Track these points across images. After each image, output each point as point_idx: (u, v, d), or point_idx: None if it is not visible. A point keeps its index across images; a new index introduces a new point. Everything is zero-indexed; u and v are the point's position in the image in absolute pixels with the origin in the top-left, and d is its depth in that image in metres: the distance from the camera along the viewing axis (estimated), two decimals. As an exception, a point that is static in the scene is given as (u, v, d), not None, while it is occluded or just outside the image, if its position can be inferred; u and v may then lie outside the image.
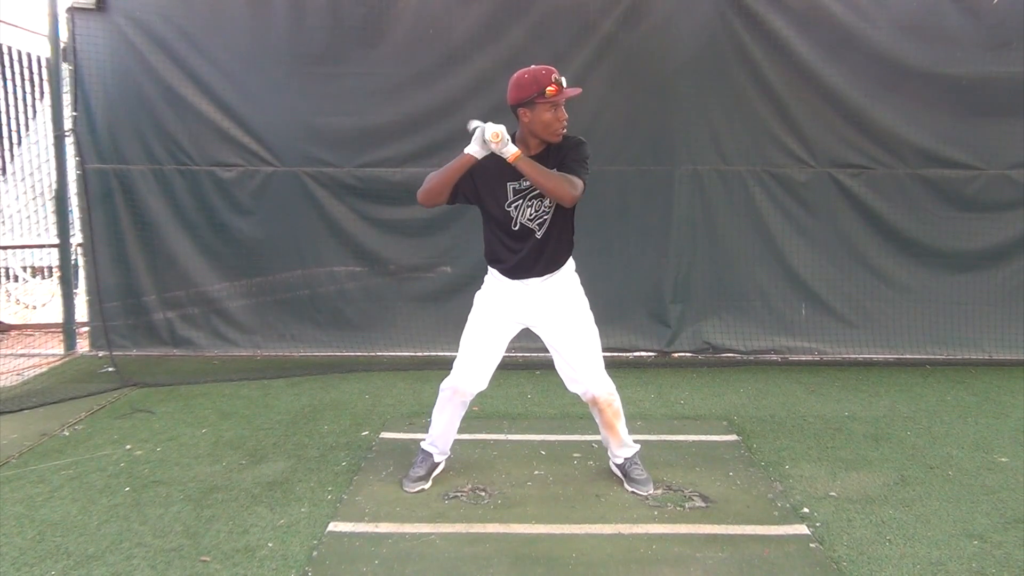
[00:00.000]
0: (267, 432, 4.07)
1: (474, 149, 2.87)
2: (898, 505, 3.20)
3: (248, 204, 5.55)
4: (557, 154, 3.00)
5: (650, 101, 5.45)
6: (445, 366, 3.32)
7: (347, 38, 5.40)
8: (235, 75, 5.45)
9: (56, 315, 6.15)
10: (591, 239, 5.32)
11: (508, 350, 3.29)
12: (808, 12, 5.29)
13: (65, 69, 5.49)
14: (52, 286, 7.11)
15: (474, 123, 2.86)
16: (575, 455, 3.73)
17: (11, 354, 5.71)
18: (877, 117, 5.36)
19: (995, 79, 5.28)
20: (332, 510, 3.14)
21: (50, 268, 7.30)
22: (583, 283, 3.27)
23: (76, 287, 5.92)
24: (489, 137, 2.79)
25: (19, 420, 4.23)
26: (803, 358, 5.57)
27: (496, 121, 2.83)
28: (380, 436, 4.01)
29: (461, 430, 3.43)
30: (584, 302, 3.22)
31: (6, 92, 6.84)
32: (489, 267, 3.24)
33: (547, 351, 3.28)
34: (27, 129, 7.12)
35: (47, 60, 5.68)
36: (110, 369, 5.20)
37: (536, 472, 3.53)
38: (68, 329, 5.81)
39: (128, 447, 3.83)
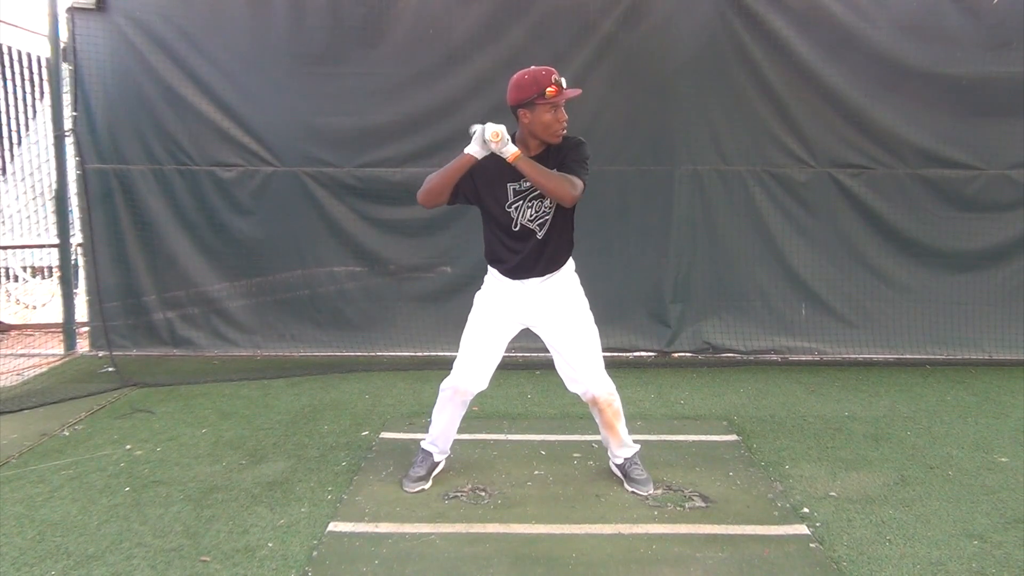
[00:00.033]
0: (267, 432, 4.07)
1: (474, 149, 2.87)
2: (898, 505, 3.20)
3: (248, 204, 5.55)
4: (557, 154, 3.00)
5: (650, 101, 5.45)
6: (445, 366, 3.32)
7: (347, 38, 5.40)
8: (235, 75, 5.45)
9: (56, 315, 6.15)
10: (591, 239, 5.32)
11: (508, 350, 3.29)
12: (808, 12, 5.30)
13: (65, 69, 5.50)
14: (52, 286, 7.11)
15: (476, 127, 2.86)
16: (575, 455, 3.73)
17: (11, 354, 5.71)
18: (877, 117, 5.36)
19: (995, 79, 5.28)
20: (332, 510, 3.14)
21: (50, 268, 7.30)
22: (583, 283, 3.27)
23: (76, 287, 5.92)
24: (489, 137, 2.79)
25: (19, 420, 4.23)
26: (803, 358, 5.57)
27: (496, 121, 2.83)
28: (380, 436, 4.01)
29: (461, 430, 3.44)
30: (584, 302, 3.23)
31: (6, 92, 6.84)
32: (489, 267, 3.24)
33: (547, 351, 3.28)
34: (27, 129, 7.12)
35: (47, 60, 5.68)
36: (110, 369, 5.20)
37: (536, 472, 3.53)
38: (68, 329, 5.82)
39: (128, 447, 3.83)
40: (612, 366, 3.39)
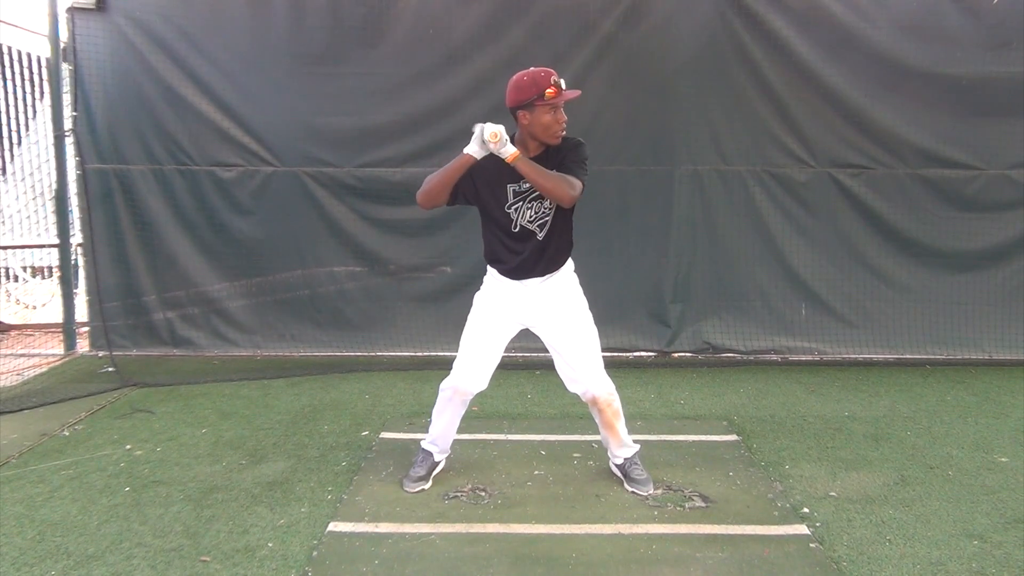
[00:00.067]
0: (267, 432, 4.07)
1: (473, 149, 2.87)
2: (898, 505, 3.20)
3: (248, 204, 5.55)
4: (556, 155, 2.99)
5: (650, 101, 5.45)
6: (445, 366, 3.32)
7: (347, 38, 5.40)
8: (235, 75, 5.45)
9: (56, 315, 6.15)
10: (591, 239, 5.32)
11: (508, 350, 3.29)
12: (808, 12, 5.30)
13: (65, 69, 5.50)
14: (52, 286, 7.11)
15: (479, 127, 2.85)
16: (575, 455, 3.73)
17: (11, 354, 5.71)
18: (877, 117, 5.36)
19: (995, 79, 5.28)
20: (332, 510, 3.14)
21: (50, 268, 7.30)
22: (583, 283, 3.26)
23: (76, 287, 5.92)
24: (487, 137, 2.79)
25: (19, 420, 4.23)
26: (803, 358, 5.57)
27: (496, 121, 2.82)
28: (380, 436, 4.01)
29: (461, 430, 3.44)
30: (583, 302, 3.22)
31: (6, 92, 6.84)
32: (488, 267, 3.24)
33: (547, 351, 3.28)
34: (27, 129, 7.12)
35: (47, 60, 5.68)
36: (110, 369, 5.20)
37: (536, 472, 3.53)
38: (68, 329, 5.82)
39: (128, 447, 3.83)
40: (612, 366, 3.39)
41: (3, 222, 7.08)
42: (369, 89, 5.44)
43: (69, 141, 5.56)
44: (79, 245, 5.74)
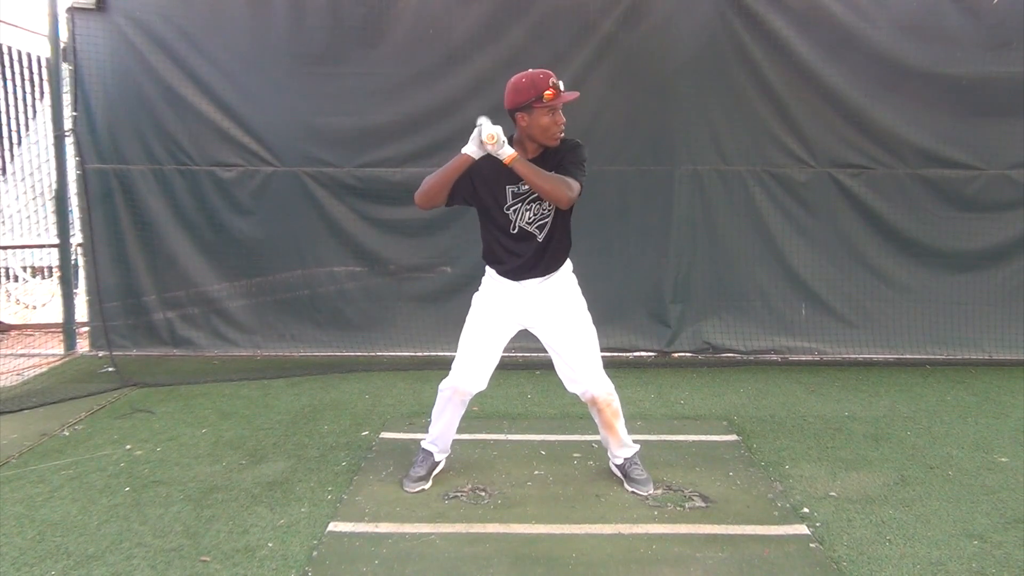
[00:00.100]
0: (267, 432, 4.07)
1: (471, 149, 2.86)
2: (898, 505, 3.20)
3: (248, 204, 5.55)
4: (554, 157, 2.99)
5: (650, 101, 5.45)
6: (445, 366, 3.32)
7: (347, 38, 5.40)
8: (235, 75, 5.45)
9: (56, 315, 6.15)
10: (591, 239, 5.32)
11: (508, 350, 3.29)
12: (808, 12, 5.29)
13: (65, 69, 5.49)
14: (52, 286, 7.11)
15: (483, 119, 2.82)
16: (575, 455, 3.73)
17: (11, 354, 5.71)
18: (877, 117, 5.36)
19: (995, 79, 5.28)
20: (332, 510, 3.14)
21: (50, 268, 7.30)
22: (583, 283, 3.26)
23: (76, 287, 5.92)
24: (485, 139, 2.78)
25: (19, 420, 4.23)
26: (803, 358, 5.57)
27: (495, 121, 2.82)
28: (380, 436, 4.01)
29: (461, 430, 3.44)
30: (582, 302, 3.22)
31: (6, 92, 6.84)
32: (487, 268, 3.24)
33: (547, 351, 3.28)
34: (27, 129, 7.12)
35: (47, 60, 5.68)
36: (110, 369, 5.20)
37: (536, 472, 3.53)
38: (68, 329, 5.82)
39: (128, 447, 3.83)
40: (612, 366, 3.39)
41: (3, 222, 7.08)
42: (369, 89, 5.44)
43: (69, 141, 5.56)
44: (79, 245, 5.74)
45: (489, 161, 2.89)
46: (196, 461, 3.66)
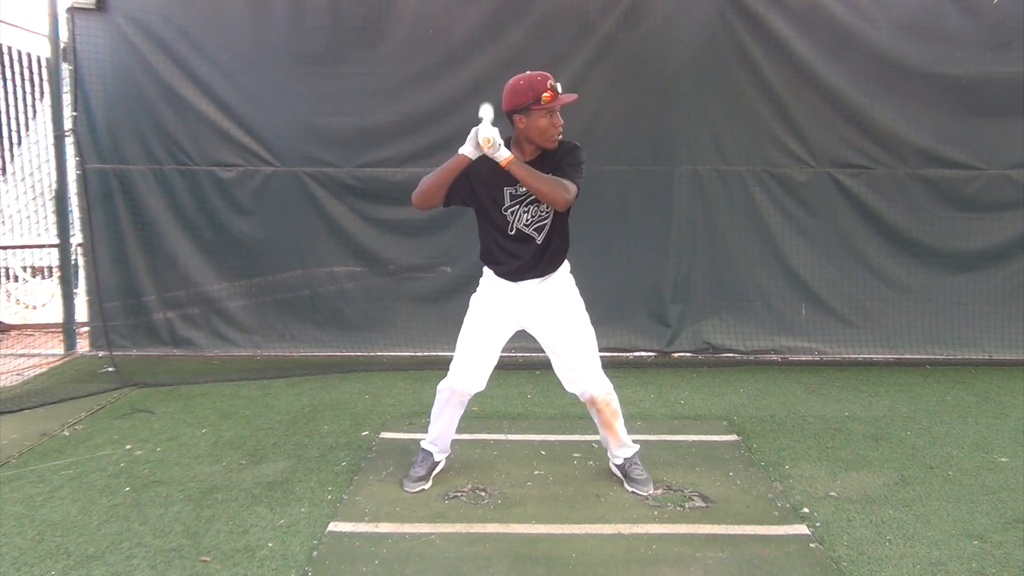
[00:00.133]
0: (267, 432, 4.07)
1: (467, 150, 2.86)
2: (898, 505, 3.20)
3: (248, 204, 5.55)
4: (552, 159, 2.99)
5: (650, 101, 5.45)
6: (445, 366, 3.32)
7: (347, 38, 5.40)
8: (235, 75, 5.44)
9: (56, 315, 6.15)
10: (591, 239, 5.32)
11: (508, 350, 3.29)
12: (808, 12, 5.29)
13: (65, 69, 5.49)
14: (52, 286, 7.11)
15: (485, 107, 2.78)
16: (575, 455, 3.73)
17: (11, 354, 5.71)
18: (877, 117, 5.36)
19: (995, 79, 5.28)
20: (332, 510, 3.14)
21: (50, 268, 7.30)
22: (582, 283, 3.26)
23: (76, 287, 5.92)
24: (481, 142, 2.77)
25: (19, 420, 4.23)
26: (803, 358, 5.57)
27: (494, 122, 2.81)
28: (380, 436, 4.01)
29: (461, 430, 3.44)
30: (580, 303, 3.22)
31: (6, 92, 6.84)
32: (485, 268, 3.23)
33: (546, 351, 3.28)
34: (27, 129, 7.12)
35: (47, 60, 5.68)
36: (110, 369, 5.20)
37: (536, 472, 3.53)
38: (68, 329, 5.81)
39: (128, 447, 3.83)
40: (612, 366, 3.39)
41: (3, 222, 7.08)
42: (369, 89, 5.44)
43: (69, 141, 5.56)
44: (79, 245, 5.74)
45: (487, 162, 2.88)
46: (196, 461, 3.66)
